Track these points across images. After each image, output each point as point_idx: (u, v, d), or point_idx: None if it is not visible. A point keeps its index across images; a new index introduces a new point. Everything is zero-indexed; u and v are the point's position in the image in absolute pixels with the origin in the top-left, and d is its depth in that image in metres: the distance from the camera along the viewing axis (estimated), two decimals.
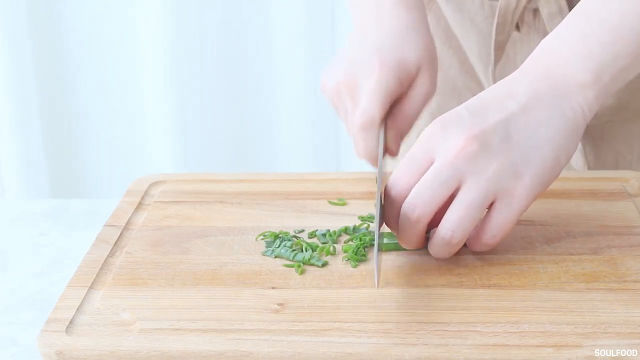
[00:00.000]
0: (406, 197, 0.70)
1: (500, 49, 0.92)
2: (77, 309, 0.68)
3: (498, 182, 0.68)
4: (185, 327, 0.65)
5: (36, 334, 0.66)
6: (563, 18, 0.87)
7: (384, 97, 0.80)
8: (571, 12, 0.75)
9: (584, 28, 0.72)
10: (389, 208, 0.72)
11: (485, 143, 0.69)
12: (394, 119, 0.83)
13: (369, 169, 0.88)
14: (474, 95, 1.01)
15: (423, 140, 0.71)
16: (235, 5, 1.83)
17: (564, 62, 0.72)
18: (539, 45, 0.75)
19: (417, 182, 0.70)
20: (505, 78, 0.74)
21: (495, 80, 0.93)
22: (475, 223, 0.69)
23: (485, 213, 0.70)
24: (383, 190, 0.73)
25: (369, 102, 0.80)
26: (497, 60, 0.93)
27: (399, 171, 0.71)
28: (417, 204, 0.69)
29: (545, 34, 0.90)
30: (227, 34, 1.84)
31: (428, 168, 0.70)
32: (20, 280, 0.82)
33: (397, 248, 0.75)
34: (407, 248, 0.74)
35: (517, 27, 0.92)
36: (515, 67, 0.94)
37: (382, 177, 0.74)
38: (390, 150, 0.82)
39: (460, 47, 1.01)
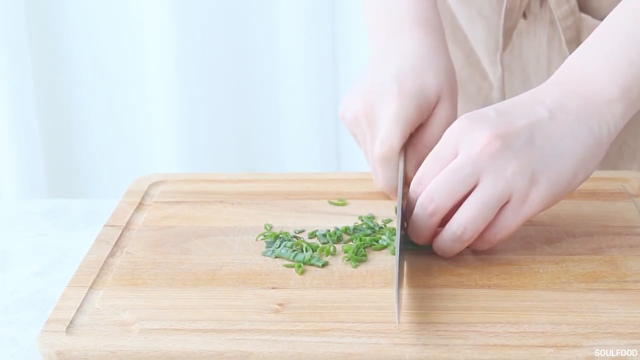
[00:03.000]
0: None
1: (508, 35, 0.92)
2: (77, 309, 0.68)
3: (515, 183, 0.69)
4: (185, 327, 0.65)
5: (36, 334, 0.66)
6: (570, 6, 0.87)
7: (403, 126, 0.80)
8: (599, 26, 0.75)
9: (611, 42, 0.72)
10: (411, 200, 0.72)
11: (508, 143, 0.69)
12: (414, 148, 0.83)
13: (368, 169, 0.88)
14: (478, 87, 1.01)
15: (448, 136, 0.71)
16: (240, 4, 1.83)
17: (592, 77, 0.72)
18: (568, 58, 0.75)
19: None
20: (535, 88, 0.74)
21: (502, 67, 0.93)
22: (487, 222, 0.70)
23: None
24: (400, 218, 0.73)
25: (388, 132, 0.80)
26: (505, 46, 0.93)
27: (425, 167, 0.72)
28: (434, 197, 0.70)
29: (551, 22, 0.90)
30: (231, 34, 1.84)
31: (451, 162, 0.70)
32: (20, 280, 0.82)
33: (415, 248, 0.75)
34: (415, 244, 0.74)
35: (524, 15, 0.92)
36: (520, 55, 0.94)
37: (402, 207, 0.74)
38: (410, 179, 0.82)
39: (465, 40, 1.01)
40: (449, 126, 0.82)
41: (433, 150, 0.72)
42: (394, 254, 0.75)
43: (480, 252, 0.74)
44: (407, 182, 0.81)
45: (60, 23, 1.84)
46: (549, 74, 0.93)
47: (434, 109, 0.82)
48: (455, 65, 1.01)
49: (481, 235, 0.71)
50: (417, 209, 0.71)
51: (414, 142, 0.83)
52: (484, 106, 1.02)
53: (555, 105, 0.71)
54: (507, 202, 0.69)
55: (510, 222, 0.70)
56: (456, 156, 0.70)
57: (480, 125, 0.70)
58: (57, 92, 1.88)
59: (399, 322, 0.64)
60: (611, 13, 0.75)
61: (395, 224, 0.74)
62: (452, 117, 0.83)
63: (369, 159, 0.84)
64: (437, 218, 0.71)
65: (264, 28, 1.85)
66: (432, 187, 0.70)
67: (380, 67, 0.84)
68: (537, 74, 0.95)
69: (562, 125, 0.70)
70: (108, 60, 1.87)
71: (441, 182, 0.70)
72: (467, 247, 0.73)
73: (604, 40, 0.73)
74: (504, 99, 0.94)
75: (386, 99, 0.81)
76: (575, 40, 0.89)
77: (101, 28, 1.84)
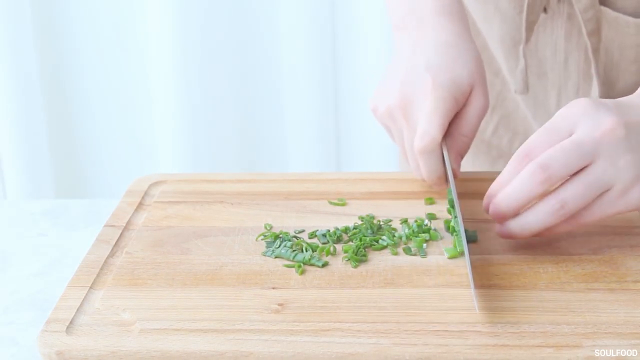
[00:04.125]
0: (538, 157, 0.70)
1: (530, 29, 0.93)
2: (77, 309, 0.68)
3: (623, 174, 0.70)
4: (185, 327, 0.65)
5: (36, 334, 0.66)
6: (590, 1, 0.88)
7: (442, 117, 0.80)
8: None
9: None
10: (512, 167, 0.72)
11: (629, 134, 0.70)
12: (452, 138, 0.83)
13: (368, 169, 0.88)
14: (490, 84, 1.02)
15: (566, 112, 0.72)
16: (242, 6, 1.83)
17: None
18: None
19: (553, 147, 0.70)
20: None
21: (526, 59, 0.93)
22: (585, 204, 0.70)
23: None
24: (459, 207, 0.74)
25: (428, 124, 0.80)
26: (527, 39, 0.93)
27: (536, 135, 0.72)
28: (550, 165, 0.69)
29: (569, 17, 0.91)
30: (232, 35, 1.84)
31: (566, 138, 0.70)
32: (20, 280, 0.82)
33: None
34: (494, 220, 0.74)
35: (544, 10, 0.92)
36: (537, 50, 0.95)
37: (456, 195, 0.75)
38: (453, 171, 0.82)
39: (477, 35, 1.01)
40: (484, 114, 0.83)
41: (546, 124, 0.72)
42: (394, 254, 0.75)
43: (479, 252, 0.74)
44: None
45: (65, 24, 1.84)
46: (566, 68, 0.94)
47: (467, 98, 0.83)
48: None
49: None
50: (524, 177, 0.70)
51: (451, 132, 0.83)
52: (496, 103, 1.03)
53: None
54: (607, 190, 0.70)
55: (602, 210, 0.71)
56: (571, 133, 0.71)
57: (605, 110, 0.71)
58: (61, 93, 1.88)
59: (477, 309, 0.65)
60: None
61: (455, 211, 0.75)
62: (486, 105, 0.84)
63: (407, 151, 0.84)
64: (546, 187, 0.70)
65: (266, 29, 1.85)
66: (548, 156, 0.70)
67: (410, 59, 0.84)
68: (554, 68, 0.95)
69: None
70: (114, 61, 1.87)
71: (559, 153, 0.70)
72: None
73: None
74: (527, 92, 0.95)
75: (421, 91, 0.81)
76: (595, 32, 0.89)
77: (106, 29, 1.85)
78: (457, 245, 0.75)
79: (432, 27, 0.85)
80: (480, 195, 0.76)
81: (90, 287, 0.71)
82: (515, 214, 0.72)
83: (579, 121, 0.71)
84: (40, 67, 1.84)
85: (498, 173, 0.74)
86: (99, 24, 1.84)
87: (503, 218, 0.73)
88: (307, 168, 1.89)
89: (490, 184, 0.74)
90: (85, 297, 0.70)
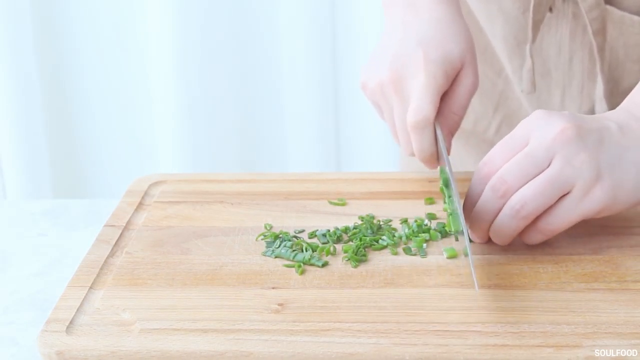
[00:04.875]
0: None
1: (536, 28, 0.93)
2: (77, 309, 0.68)
3: (581, 173, 0.70)
4: (185, 327, 0.65)
5: (36, 334, 0.66)
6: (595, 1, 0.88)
7: (435, 93, 0.80)
8: None
9: None
10: (475, 185, 0.73)
11: (581, 134, 0.71)
12: (443, 115, 0.83)
13: (368, 169, 0.88)
14: (492, 83, 1.02)
15: (522, 125, 0.73)
16: (242, 5, 1.83)
17: None
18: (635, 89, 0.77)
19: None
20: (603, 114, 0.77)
21: (532, 59, 0.93)
22: (546, 205, 0.70)
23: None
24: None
25: (421, 100, 0.80)
26: (534, 39, 0.93)
27: (494, 151, 0.73)
28: (507, 179, 0.70)
29: (573, 16, 0.91)
30: (232, 35, 1.84)
31: (522, 150, 0.71)
32: (20, 280, 0.82)
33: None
34: (475, 238, 0.75)
35: (550, 9, 0.92)
36: (541, 49, 0.95)
37: (451, 171, 0.75)
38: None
39: (480, 34, 1.01)
40: (474, 91, 0.83)
41: (505, 138, 0.73)
42: (394, 254, 0.75)
43: (479, 252, 0.74)
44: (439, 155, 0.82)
45: (65, 24, 1.84)
46: (570, 67, 0.94)
47: (457, 76, 0.83)
48: None
49: (535, 224, 0.72)
50: (487, 192, 0.72)
51: (441, 110, 0.83)
52: (499, 102, 1.03)
53: (623, 123, 0.73)
54: (568, 193, 0.70)
55: (568, 214, 0.71)
56: (527, 144, 0.71)
57: (557, 117, 0.72)
58: (61, 93, 1.88)
59: (477, 288, 0.66)
60: None
61: (450, 190, 0.75)
62: (476, 83, 0.84)
63: (397, 128, 0.84)
64: (506, 200, 0.71)
65: (266, 29, 1.85)
66: (504, 170, 0.71)
67: (401, 36, 0.84)
68: (558, 67, 0.95)
69: (628, 138, 0.72)
70: (112, 61, 1.87)
71: (514, 165, 0.71)
72: (520, 239, 0.73)
73: None
74: (534, 91, 0.95)
75: (413, 67, 0.81)
76: (600, 31, 0.90)
77: (106, 29, 1.85)
78: (452, 224, 0.75)
79: (423, 7, 0.85)
80: None
81: (90, 287, 0.71)
82: (487, 228, 0.73)
83: (532, 131, 0.72)
84: (40, 67, 1.84)
85: None
86: (99, 24, 1.84)
87: (484, 238, 0.74)
88: (307, 168, 1.89)
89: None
90: (85, 297, 0.70)
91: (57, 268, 0.84)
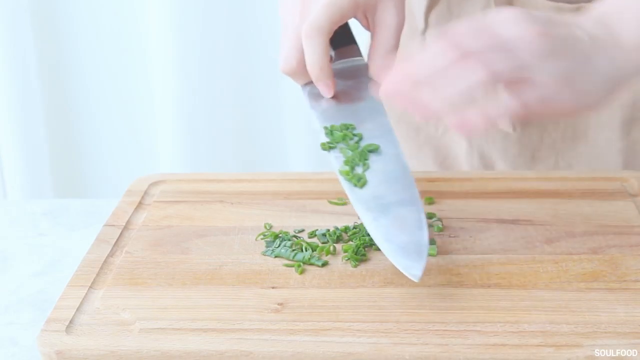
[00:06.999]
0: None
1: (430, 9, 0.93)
2: (77, 309, 0.68)
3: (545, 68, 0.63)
4: (185, 327, 0.65)
5: (36, 334, 0.66)
6: None
7: (333, 10, 0.79)
8: None
9: None
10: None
11: (553, 43, 0.63)
12: (376, 52, 0.82)
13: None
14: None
15: (489, 18, 0.65)
16: (244, 5, 1.83)
17: (625, 24, 0.68)
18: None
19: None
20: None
21: (426, 24, 0.93)
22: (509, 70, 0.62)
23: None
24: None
25: (317, 13, 0.79)
26: (432, 6, 0.93)
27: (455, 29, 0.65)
28: (461, 40, 0.63)
29: None
30: (233, 35, 1.84)
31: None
32: (20, 280, 0.82)
33: None
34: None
35: None
36: (450, 15, 0.94)
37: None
38: (375, 76, 0.81)
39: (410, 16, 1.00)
40: (399, 30, 0.81)
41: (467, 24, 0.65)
42: None
43: (479, 252, 0.74)
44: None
45: (65, 24, 1.84)
46: None
47: (375, 12, 0.81)
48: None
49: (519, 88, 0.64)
50: (434, 49, 0.63)
51: (371, 56, 0.83)
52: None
53: (593, 32, 0.67)
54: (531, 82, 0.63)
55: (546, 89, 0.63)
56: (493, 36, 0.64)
57: (527, 19, 0.64)
58: (61, 92, 1.88)
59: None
60: None
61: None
62: (400, 21, 0.81)
63: (290, 40, 0.82)
64: (455, 54, 0.63)
65: (266, 29, 1.85)
66: (463, 30, 0.63)
67: None
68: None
69: (597, 50, 0.66)
70: (113, 62, 1.87)
71: (470, 29, 0.63)
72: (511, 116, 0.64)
73: None
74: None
75: None
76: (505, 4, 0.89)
77: (106, 29, 1.85)
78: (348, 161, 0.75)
79: None
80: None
81: (90, 287, 0.71)
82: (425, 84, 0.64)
83: (498, 27, 0.63)
84: (41, 67, 1.84)
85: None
86: (99, 23, 1.84)
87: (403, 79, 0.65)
88: (307, 168, 1.89)
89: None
90: (85, 296, 0.70)
91: (57, 268, 0.84)
